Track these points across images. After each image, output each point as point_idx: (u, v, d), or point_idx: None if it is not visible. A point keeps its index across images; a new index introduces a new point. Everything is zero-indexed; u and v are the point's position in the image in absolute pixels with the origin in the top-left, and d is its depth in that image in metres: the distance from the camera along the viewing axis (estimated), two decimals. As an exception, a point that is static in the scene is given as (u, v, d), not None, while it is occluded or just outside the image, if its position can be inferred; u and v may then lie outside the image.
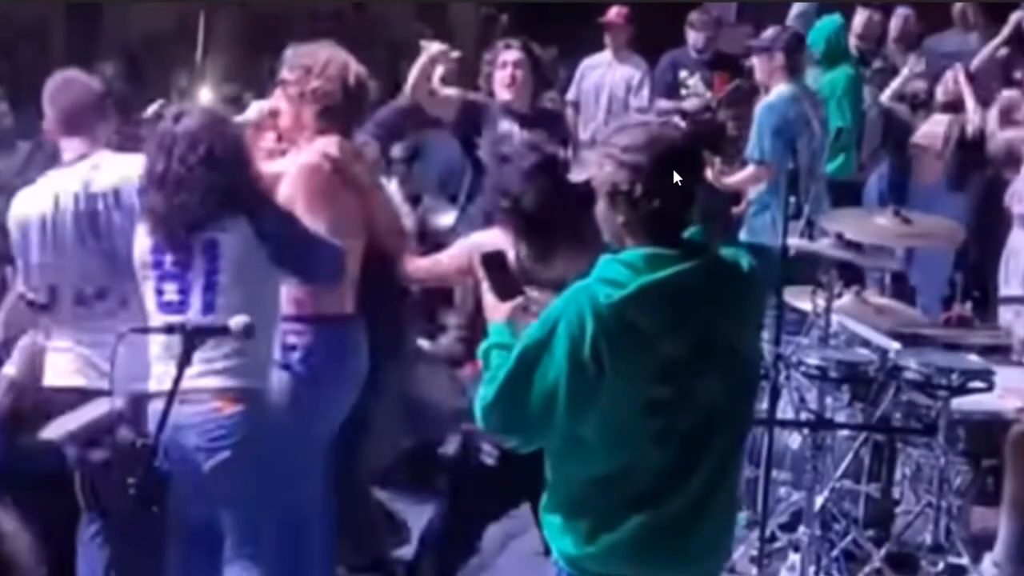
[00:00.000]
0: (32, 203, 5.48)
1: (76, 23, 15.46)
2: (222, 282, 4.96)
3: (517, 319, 4.11)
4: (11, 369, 5.55)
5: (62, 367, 5.46)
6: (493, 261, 4.32)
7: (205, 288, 4.98)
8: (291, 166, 5.51)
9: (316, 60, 5.58)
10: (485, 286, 4.29)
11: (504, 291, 4.21)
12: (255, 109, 5.66)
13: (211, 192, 4.93)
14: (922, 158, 9.93)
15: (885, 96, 10.53)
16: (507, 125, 7.49)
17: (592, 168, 3.92)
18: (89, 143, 5.52)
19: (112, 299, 5.42)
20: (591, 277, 3.78)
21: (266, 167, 5.50)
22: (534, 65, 7.67)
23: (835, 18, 10.44)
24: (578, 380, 3.71)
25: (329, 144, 5.46)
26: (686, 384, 3.78)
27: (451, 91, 7.53)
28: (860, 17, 10.97)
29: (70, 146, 5.55)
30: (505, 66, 7.66)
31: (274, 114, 5.64)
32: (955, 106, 9.79)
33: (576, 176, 4.17)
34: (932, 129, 9.86)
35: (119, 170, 5.41)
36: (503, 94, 7.65)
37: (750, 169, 8.90)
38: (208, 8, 6.49)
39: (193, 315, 4.97)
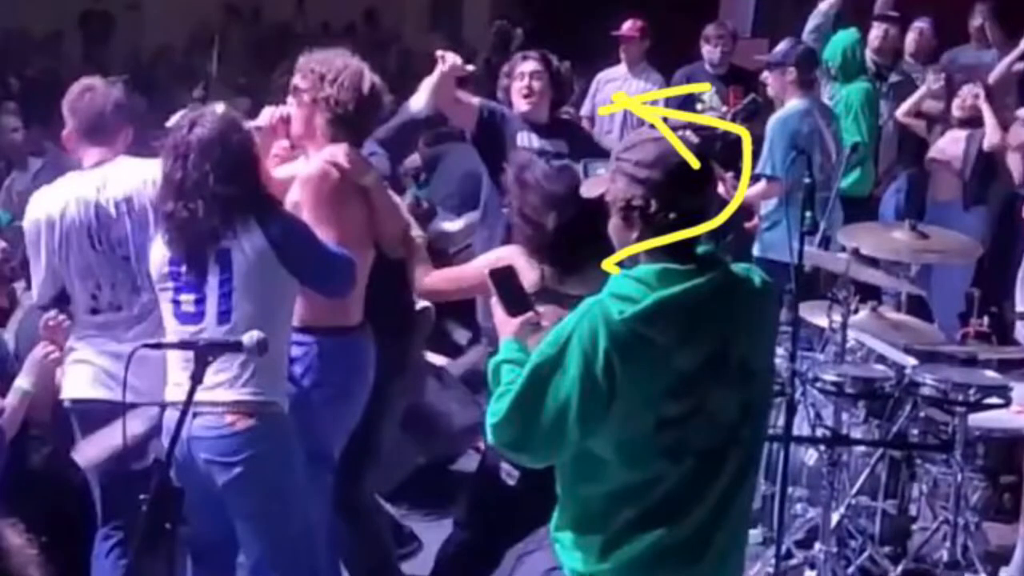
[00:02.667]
0: (47, 205, 5.50)
1: (88, 40, 15.53)
2: (236, 292, 4.95)
3: (527, 334, 4.09)
4: (24, 381, 5.53)
5: (83, 378, 5.46)
6: (502, 276, 4.28)
7: (220, 298, 4.96)
8: (301, 171, 5.49)
9: (331, 67, 5.52)
10: (493, 301, 4.25)
11: (513, 306, 4.18)
12: (267, 114, 5.61)
13: (226, 198, 4.92)
14: (939, 174, 9.90)
15: (900, 112, 10.50)
16: (526, 136, 7.45)
17: (604, 183, 3.89)
18: (108, 151, 5.54)
19: (129, 309, 5.42)
20: (603, 293, 3.76)
21: (277, 172, 5.49)
22: (552, 77, 7.60)
23: (851, 32, 10.40)
24: (591, 396, 3.68)
25: (337, 152, 5.42)
26: (699, 400, 3.75)
27: (474, 99, 7.51)
28: (876, 31, 10.93)
29: (89, 154, 5.56)
30: (523, 77, 7.55)
31: (287, 120, 5.59)
32: (972, 122, 9.75)
33: (587, 192, 4.10)
34: (949, 145, 9.83)
35: (133, 176, 5.44)
36: (521, 105, 7.54)
37: (761, 184, 8.87)
38: (222, 21, 6.47)
39: (209, 324, 4.96)
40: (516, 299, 4.21)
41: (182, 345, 4.79)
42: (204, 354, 4.41)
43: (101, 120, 5.56)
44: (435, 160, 9.63)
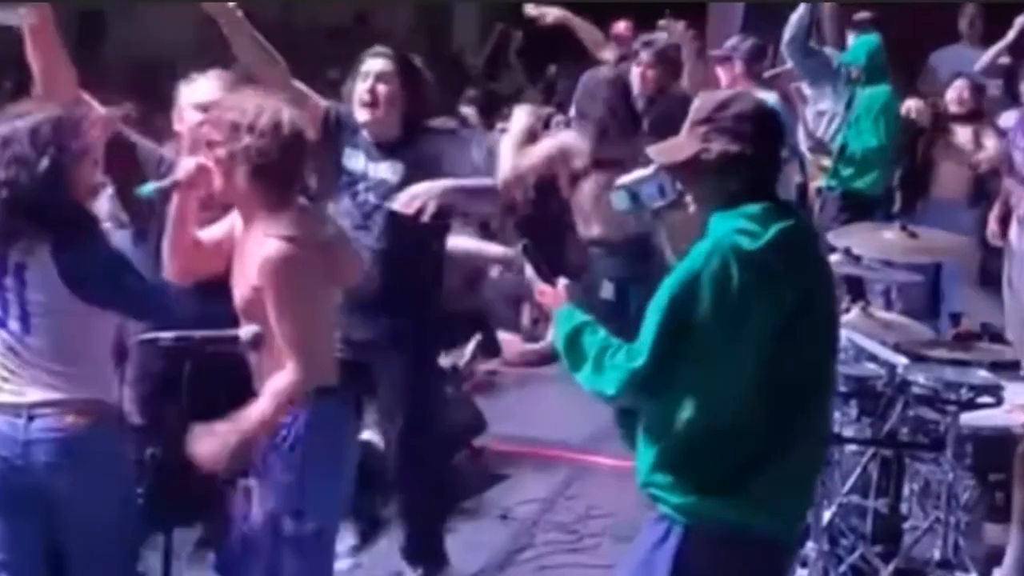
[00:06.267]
0: None
1: (81, 40, 15.43)
2: (33, 301, 4.64)
3: (576, 296, 4.29)
4: None
5: None
6: (534, 249, 4.44)
7: (20, 306, 4.65)
8: (235, 231, 4.90)
9: (243, 113, 4.78)
10: (530, 275, 4.40)
11: (548, 274, 4.35)
12: (185, 167, 4.87)
13: (25, 207, 4.59)
14: (945, 170, 9.93)
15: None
16: (353, 156, 6.21)
17: (692, 146, 4.08)
18: None
19: None
20: (723, 232, 3.98)
21: (205, 233, 4.97)
22: (408, 81, 6.24)
23: (873, 36, 10.36)
24: (725, 328, 3.91)
25: (285, 225, 4.72)
26: (799, 336, 4.00)
27: (322, 101, 6.32)
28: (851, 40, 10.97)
29: None
30: (366, 78, 6.19)
31: (206, 170, 4.82)
32: (973, 116, 9.85)
33: (674, 157, 4.14)
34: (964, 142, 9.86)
35: None
36: (359, 114, 6.18)
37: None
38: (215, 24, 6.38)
39: (13, 335, 4.67)
40: (548, 267, 4.39)
41: (179, 339, 4.56)
42: (200, 348, 4.38)
43: None
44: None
